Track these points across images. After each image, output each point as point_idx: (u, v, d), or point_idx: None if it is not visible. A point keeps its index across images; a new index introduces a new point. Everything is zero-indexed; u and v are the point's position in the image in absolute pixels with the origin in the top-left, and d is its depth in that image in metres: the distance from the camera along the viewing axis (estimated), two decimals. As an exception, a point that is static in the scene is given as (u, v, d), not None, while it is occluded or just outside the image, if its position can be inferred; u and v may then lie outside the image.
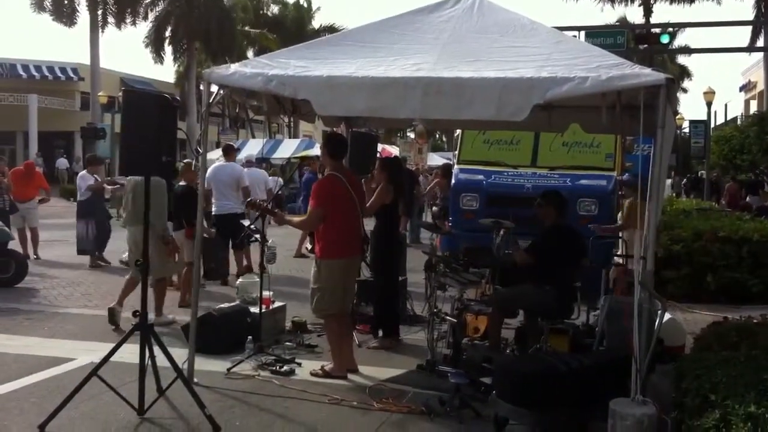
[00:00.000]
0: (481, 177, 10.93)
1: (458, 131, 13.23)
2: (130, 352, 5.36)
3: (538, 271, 6.36)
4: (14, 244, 11.42)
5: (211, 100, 6.38)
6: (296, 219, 7.11)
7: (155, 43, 38.74)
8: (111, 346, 5.29)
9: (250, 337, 6.76)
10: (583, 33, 21.11)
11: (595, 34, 21.66)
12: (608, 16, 57.85)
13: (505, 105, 5.20)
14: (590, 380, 4.98)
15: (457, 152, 12.15)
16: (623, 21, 39.37)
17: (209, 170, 10.47)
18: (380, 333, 7.47)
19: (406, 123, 11.99)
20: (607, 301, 6.52)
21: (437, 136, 63.87)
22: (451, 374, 5.53)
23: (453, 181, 11.29)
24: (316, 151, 27.19)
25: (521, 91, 5.16)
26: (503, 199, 10.24)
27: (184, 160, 9.79)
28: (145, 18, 37.98)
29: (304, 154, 27.97)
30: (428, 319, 6.61)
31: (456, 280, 6.41)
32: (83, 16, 35.12)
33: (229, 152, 11.69)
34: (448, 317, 6.50)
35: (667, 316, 5.63)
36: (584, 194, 10.28)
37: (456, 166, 11.72)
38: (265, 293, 7.25)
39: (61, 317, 8.33)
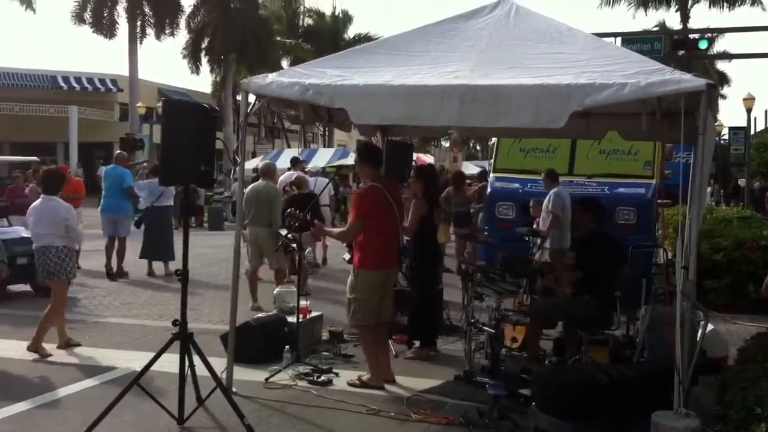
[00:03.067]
0: (517, 185, 10.87)
1: (494, 139, 13.18)
2: (169, 361, 5.40)
3: (578, 281, 6.28)
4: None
5: (249, 110, 6.43)
6: (336, 230, 7.09)
7: (192, 55, 39.18)
8: (150, 355, 5.33)
9: (287, 346, 6.77)
10: (619, 39, 20.92)
11: (632, 40, 21.48)
12: (644, 21, 57.18)
13: (543, 112, 5.16)
14: (632, 392, 4.90)
15: (492, 160, 12.10)
16: (661, 26, 38.93)
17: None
18: (417, 343, 7.43)
19: (442, 131, 11.98)
20: (648, 311, 6.41)
21: (471, 144, 63.67)
22: (490, 385, 5.48)
23: (489, 189, 11.24)
24: (351, 160, 27.30)
25: (559, 98, 5.12)
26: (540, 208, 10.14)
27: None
28: (187, 29, 38.43)
29: (338, 163, 28.07)
30: (465, 330, 6.57)
31: (493, 290, 6.36)
32: (122, 27, 35.67)
33: (297, 163, 13.38)
34: (485, 327, 6.45)
35: (709, 326, 5.52)
36: (622, 202, 10.16)
37: (491, 175, 11.67)
38: (302, 303, 7.27)
39: (101, 326, 8.44)
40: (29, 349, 7.30)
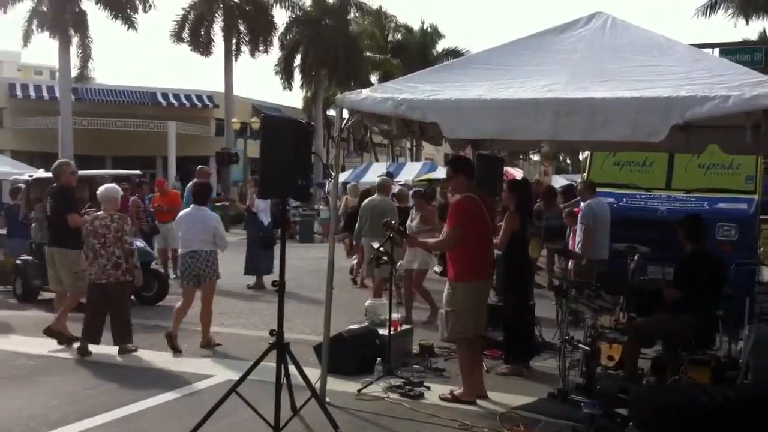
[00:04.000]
0: (611, 200, 10.62)
1: (587, 152, 12.95)
2: (264, 370, 5.51)
3: (678, 300, 6.09)
4: (155, 264, 12.09)
5: (343, 125, 6.54)
6: (431, 241, 7.11)
7: (285, 71, 40.09)
8: (246, 363, 5.47)
9: (379, 358, 6.82)
10: (717, 50, 20.24)
11: (731, 51, 20.73)
12: (743, 31, 55.04)
13: (641, 125, 5.07)
14: (735, 415, 4.72)
15: (585, 174, 11.88)
16: (761, 37, 37.38)
17: None
18: (509, 359, 7.35)
19: (532, 145, 11.86)
20: (753, 331, 6.16)
21: (561, 157, 62.67)
22: (585, 404, 5.36)
23: (582, 204, 11.03)
24: (439, 174, 27.30)
25: (658, 111, 5.02)
26: (636, 223, 9.90)
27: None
28: (280, 46, 39.35)
29: (426, 177, 28.13)
30: (560, 346, 6.46)
31: (589, 307, 6.24)
32: (218, 45, 36.80)
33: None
34: (581, 345, 6.33)
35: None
36: (723, 218, 9.78)
37: (585, 189, 11.44)
38: (394, 316, 7.32)
39: (199, 335, 8.70)
40: (202, 346, 8.17)
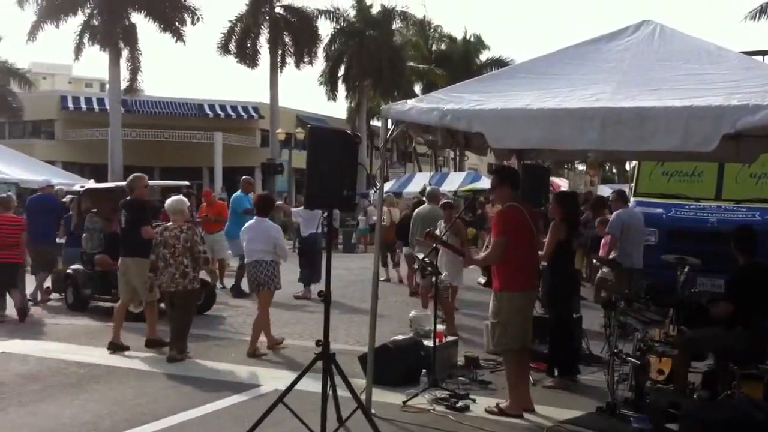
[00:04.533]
0: (660, 210, 10.46)
1: (634, 162, 12.77)
2: (310, 380, 5.51)
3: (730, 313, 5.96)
4: (202, 274, 12.20)
5: (388, 136, 6.55)
6: (479, 256, 7.02)
7: (329, 81, 40.41)
8: (292, 373, 5.50)
9: (424, 370, 6.79)
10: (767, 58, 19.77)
11: (781, 57, 20.20)
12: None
13: (692, 135, 4.98)
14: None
15: (632, 184, 11.72)
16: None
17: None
18: (556, 372, 7.26)
19: (578, 154, 11.74)
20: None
21: (607, 167, 61.88)
22: (634, 419, 5.29)
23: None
24: (482, 184, 27.19)
25: (710, 120, 4.93)
26: (685, 234, 9.73)
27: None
28: (325, 57, 39.67)
29: (470, 187, 28.06)
30: (608, 360, 6.36)
31: (638, 320, 6.14)
32: (264, 57, 37.22)
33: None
34: (629, 358, 6.21)
35: None
36: (776, 229, 9.55)
37: (632, 199, 11.30)
38: (439, 327, 7.29)
39: (246, 344, 8.78)
40: (249, 355, 8.29)
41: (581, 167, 34.80)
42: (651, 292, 6.47)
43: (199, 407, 6.36)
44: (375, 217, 14.87)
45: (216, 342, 9.17)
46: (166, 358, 8.01)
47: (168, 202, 8.42)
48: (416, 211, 11.22)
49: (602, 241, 10.25)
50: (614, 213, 9.62)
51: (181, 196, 8.59)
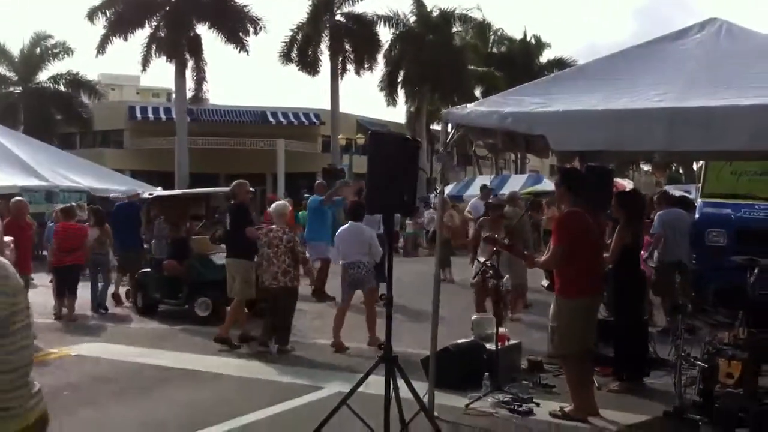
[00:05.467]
0: (728, 211, 10.20)
1: (701, 162, 12.48)
2: (372, 383, 5.54)
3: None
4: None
5: (448, 139, 6.56)
6: (539, 258, 6.98)
7: (389, 87, 40.55)
8: (355, 376, 5.55)
9: (486, 373, 6.77)
10: None
11: None
12: None
13: (764, 134, 4.85)
14: None
15: (700, 185, 11.46)
16: None
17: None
18: (622, 375, 7.14)
19: (643, 155, 11.53)
20: None
21: (674, 167, 60.40)
22: (703, 423, 5.16)
23: (696, 215, 10.64)
24: (544, 186, 26.88)
25: (780, 119, 4.79)
26: (755, 235, 9.46)
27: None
28: (384, 63, 39.83)
29: (531, 189, 27.75)
30: (675, 363, 6.23)
31: (706, 322, 6.00)
32: (325, 64, 37.59)
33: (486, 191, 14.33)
34: (698, 362, 6.08)
35: None
36: None
37: (699, 200, 11.05)
38: (501, 330, 7.25)
39: (309, 347, 8.90)
40: (369, 345, 8.94)
41: (647, 168, 34.12)
42: (719, 295, 6.31)
43: (265, 409, 6.48)
44: (434, 221, 14.92)
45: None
46: (275, 350, 8.64)
47: (273, 206, 9.42)
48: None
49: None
50: (656, 214, 9.75)
51: (284, 202, 9.39)
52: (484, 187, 15.77)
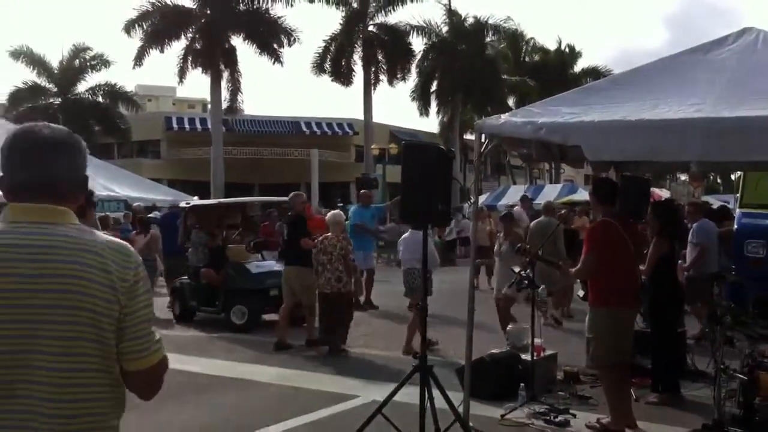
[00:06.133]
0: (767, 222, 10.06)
1: (739, 172, 12.33)
2: (407, 392, 5.56)
3: None
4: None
5: (482, 150, 6.58)
6: (572, 269, 6.98)
7: (421, 97, 40.57)
8: (390, 385, 5.58)
9: (522, 384, 6.75)
10: None
11: None
12: None
13: (800, 145, 4.80)
14: None
15: (738, 195, 11.31)
16: None
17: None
18: (659, 387, 7.08)
19: (680, 166, 11.42)
20: None
21: (711, 177, 59.57)
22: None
23: (735, 226, 10.51)
24: (580, 196, 26.66)
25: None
26: (796, 246, 9.32)
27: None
28: (417, 73, 39.85)
29: (567, 199, 27.55)
30: (714, 376, 6.16)
31: (745, 334, 5.93)
32: (358, 74, 37.76)
33: (525, 200, 15.63)
34: (737, 374, 6.00)
35: None
36: None
37: (738, 210, 10.91)
38: (537, 341, 7.23)
39: (345, 356, 8.94)
40: (404, 353, 8.95)
41: (684, 177, 33.68)
42: (760, 306, 6.23)
43: (300, 416, 6.54)
44: (466, 230, 14.92)
45: (315, 353, 9.35)
46: (331, 350, 9.07)
47: (328, 215, 9.89)
48: (533, 223, 11.68)
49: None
50: (695, 224, 9.66)
51: (339, 211, 9.77)
52: (525, 198, 16.21)
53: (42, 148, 2.01)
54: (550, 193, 30.50)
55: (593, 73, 43.56)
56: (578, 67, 47.20)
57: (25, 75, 38.25)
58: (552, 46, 48.01)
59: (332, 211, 9.48)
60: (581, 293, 6.60)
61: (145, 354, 2.07)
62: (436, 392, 5.33)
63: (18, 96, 37.74)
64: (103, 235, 2.05)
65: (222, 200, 16.50)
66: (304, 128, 46.02)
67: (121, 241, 2.09)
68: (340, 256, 9.09)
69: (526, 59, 47.80)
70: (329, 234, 9.37)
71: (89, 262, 1.94)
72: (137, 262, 2.03)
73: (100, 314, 1.93)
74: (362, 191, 14.43)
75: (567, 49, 47.59)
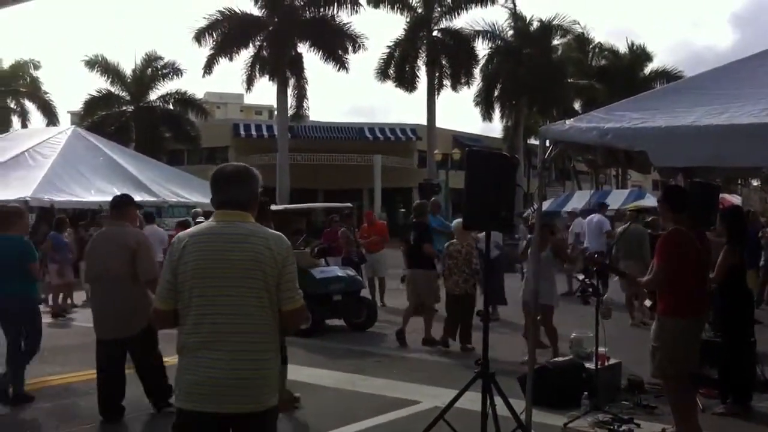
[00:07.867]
0: None
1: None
2: (468, 399, 5.58)
3: None
4: (364, 292, 12.63)
5: (546, 155, 6.54)
6: (643, 279, 6.85)
7: (485, 102, 40.30)
8: (451, 391, 5.60)
9: (585, 393, 6.69)
10: None
11: None
12: None
13: None
14: None
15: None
16: None
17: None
18: (727, 398, 6.91)
19: (751, 171, 11.11)
20: None
21: (787, 182, 57.41)
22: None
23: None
24: (647, 201, 26.13)
25: None
26: None
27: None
28: (481, 77, 39.65)
29: (634, 205, 27.02)
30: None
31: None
32: (422, 80, 37.76)
33: (602, 207, 16.10)
34: (809, 386, 5.83)
35: None
36: None
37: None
38: (601, 349, 7.15)
39: (406, 361, 8.99)
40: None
41: (756, 182, 32.63)
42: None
43: (361, 422, 6.60)
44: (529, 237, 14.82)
45: (377, 358, 9.45)
46: (461, 348, 9.78)
47: (454, 223, 10.72)
48: (620, 229, 12.17)
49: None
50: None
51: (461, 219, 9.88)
52: (602, 205, 16.56)
53: (228, 179, 3.52)
54: (617, 198, 29.98)
55: (664, 74, 42.56)
56: (648, 69, 46.00)
57: (99, 84, 39.35)
58: (621, 48, 46.97)
59: (457, 220, 10.04)
60: (649, 303, 6.48)
61: (292, 300, 3.42)
62: (497, 399, 5.33)
63: (93, 104, 38.96)
64: (269, 229, 3.46)
65: (288, 206, 16.76)
66: (368, 134, 46.27)
67: (277, 232, 3.49)
68: (465, 261, 9.92)
69: (593, 63, 46.99)
70: (454, 240, 10.28)
71: (260, 243, 3.34)
72: (288, 245, 3.44)
73: (268, 274, 3.31)
74: (433, 199, 14.66)
75: (637, 51, 46.35)
